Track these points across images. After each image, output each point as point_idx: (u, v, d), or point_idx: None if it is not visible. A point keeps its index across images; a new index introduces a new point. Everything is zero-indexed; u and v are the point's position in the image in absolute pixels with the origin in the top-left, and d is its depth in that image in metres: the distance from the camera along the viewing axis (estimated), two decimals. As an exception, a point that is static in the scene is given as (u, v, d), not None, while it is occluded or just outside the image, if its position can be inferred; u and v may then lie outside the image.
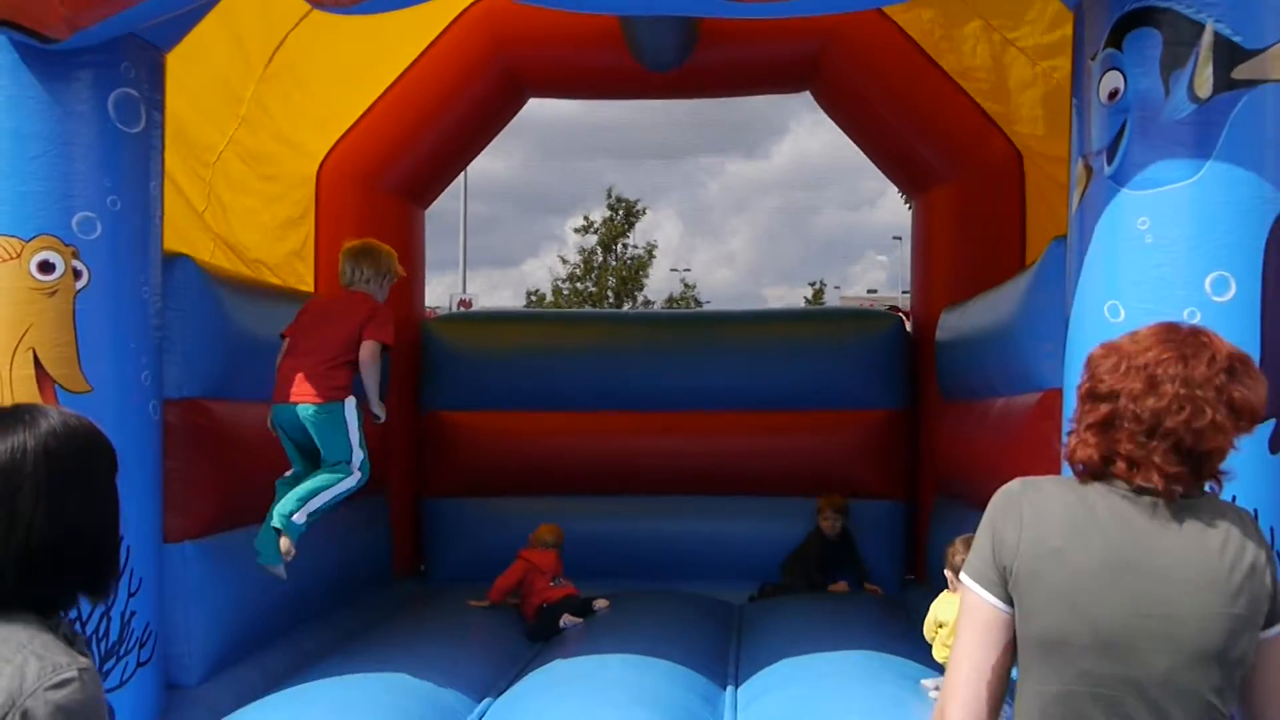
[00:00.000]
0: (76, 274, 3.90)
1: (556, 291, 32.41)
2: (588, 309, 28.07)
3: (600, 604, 6.00)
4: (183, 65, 4.60)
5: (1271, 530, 3.34)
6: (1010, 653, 1.94)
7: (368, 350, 4.65)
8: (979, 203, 6.67)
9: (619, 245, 31.61)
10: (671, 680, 4.49)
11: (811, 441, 7.04)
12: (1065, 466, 2.04)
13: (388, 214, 7.07)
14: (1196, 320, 3.34)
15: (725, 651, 5.42)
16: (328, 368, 4.60)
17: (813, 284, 42.88)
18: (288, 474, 4.71)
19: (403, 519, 7.09)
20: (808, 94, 7.39)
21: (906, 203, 8.32)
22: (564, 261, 33.12)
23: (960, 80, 6.44)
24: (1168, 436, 1.88)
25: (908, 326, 7.42)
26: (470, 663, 4.96)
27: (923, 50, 6.46)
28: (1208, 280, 3.38)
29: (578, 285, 31.90)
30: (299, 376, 4.58)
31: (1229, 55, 3.39)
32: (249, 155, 6.01)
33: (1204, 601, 1.82)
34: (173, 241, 4.58)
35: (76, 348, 3.89)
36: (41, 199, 3.87)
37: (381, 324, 4.71)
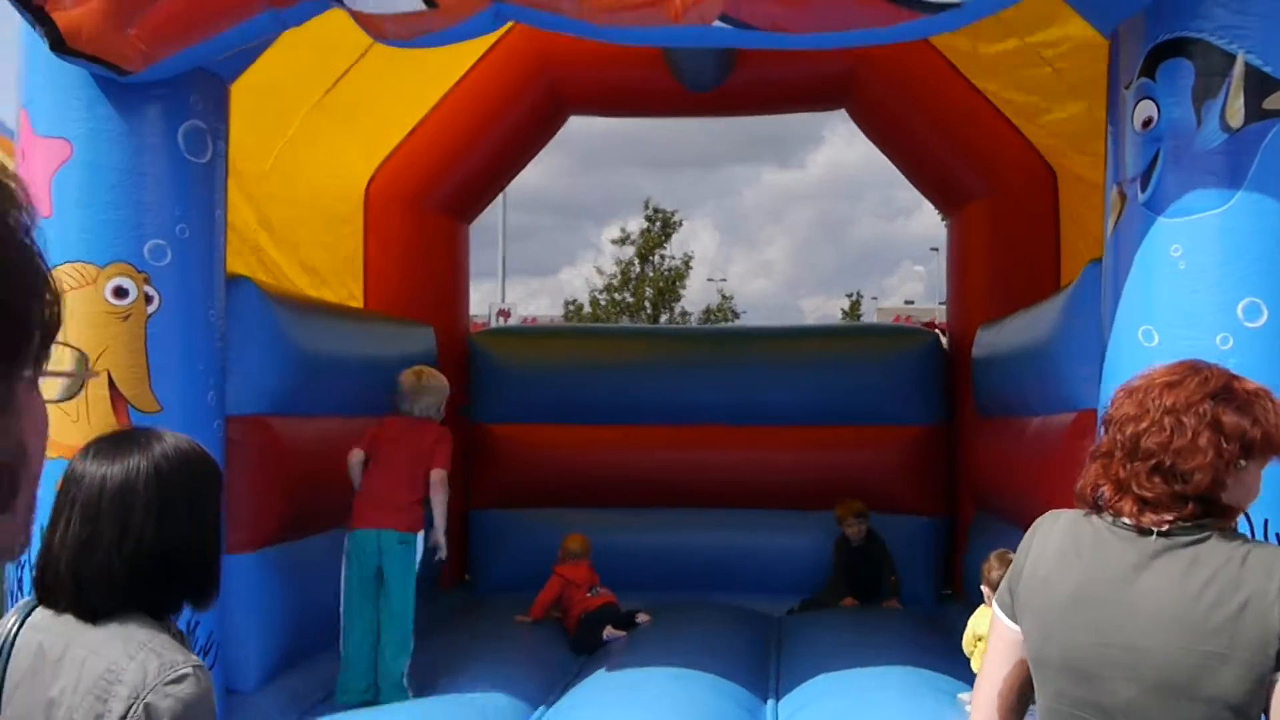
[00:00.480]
0: (148, 299, 4.09)
1: (594, 303, 32.56)
2: (628, 324, 28.26)
3: (642, 618, 6.13)
4: (239, 90, 4.79)
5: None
6: (1022, 670, 2.04)
7: (438, 478, 5.04)
8: (1013, 220, 6.76)
9: (656, 256, 31.75)
10: (715, 693, 4.62)
11: (849, 457, 7.14)
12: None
13: (433, 231, 7.27)
14: (1229, 346, 3.44)
15: (765, 665, 5.54)
16: (409, 500, 4.96)
17: (849, 295, 42.76)
18: (352, 605, 4.92)
19: (449, 530, 7.24)
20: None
21: (942, 216, 8.39)
22: (600, 272, 33.33)
23: (994, 99, 6.53)
24: (1148, 458, 1.90)
25: (944, 342, 7.51)
26: (519, 675, 5.11)
27: (956, 69, 6.56)
28: (1240, 306, 3.47)
29: (615, 296, 32.05)
30: (380, 504, 4.92)
31: (1260, 86, 3.48)
32: (297, 174, 6.20)
33: (1169, 636, 1.83)
34: (229, 261, 4.78)
35: (148, 369, 4.08)
36: (116, 227, 4.07)
37: (445, 453, 5.12)
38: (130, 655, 1.68)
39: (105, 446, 1.84)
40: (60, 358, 3.88)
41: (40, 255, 0.75)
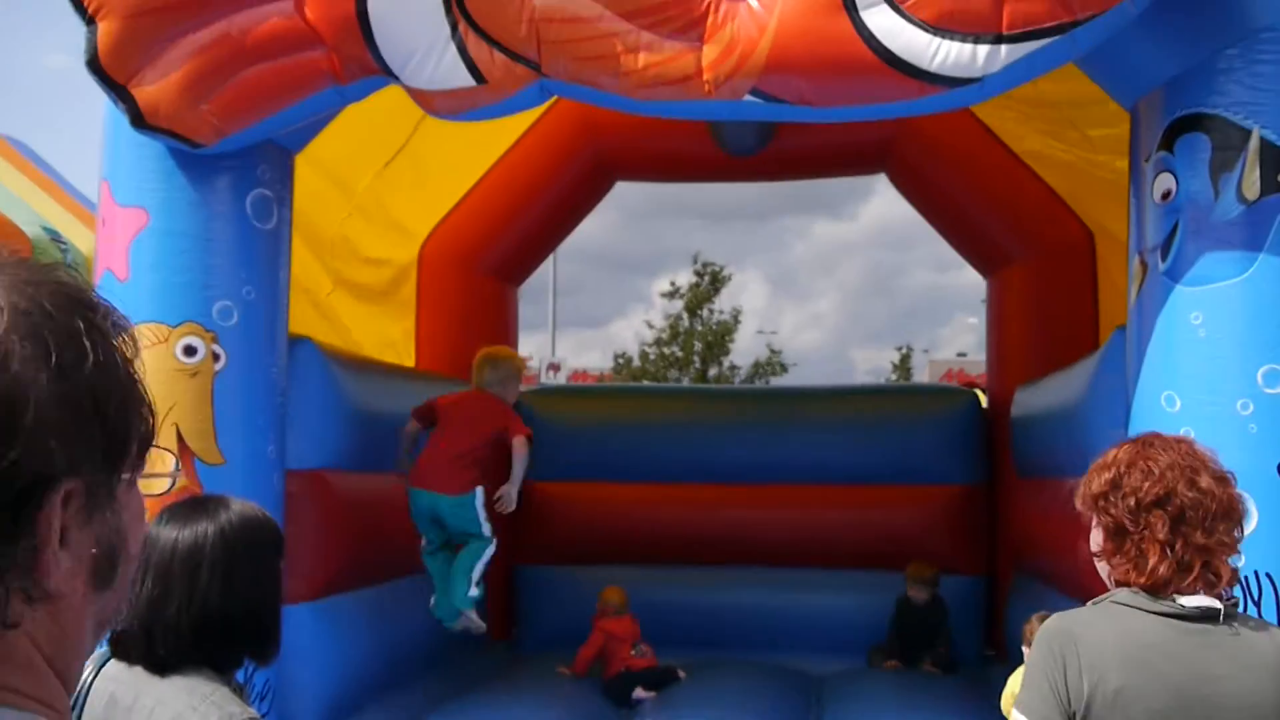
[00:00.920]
0: (215, 357, 4.34)
1: (643, 356, 32.79)
2: (673, 384, 28.46)
3: (680, 674, 6.23)
4: (303, 160, 5.07)
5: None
6: None
7: (521, 445, 5.46)
8: (1052, 281, 6.86)
9: (704, 310, 31.96)
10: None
11: (890, 516, 7.22)
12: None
13: (484, 293, 7.52)
14: (1249, 412, 3.54)
15: (805, 722, 5.61)
16: (464, 464, 5.32)
17: (899, 348, 42.59)
18: (425, 545, 5.40)
19: (496, 585, 7.41)
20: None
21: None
22: (650, 326, 33.58)
23: (1031, 162, 6.67)
24: (1209, 521, 2.03)
25: (983, 401, 7.60)
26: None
27: (993, 133, 6.72)
28: (1260, 373, 3.57)
29: (664, 350, 32.25)
30: (437, 469, 5.33)
31: (1275, 159, 3.61)
32: (359, 240, 6.49)
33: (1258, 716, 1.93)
34: (298, 322, 5.03)
35: (213, 424, 4.32)
36: (186, 290, 4.33)
37: (519, 422, 5.56)
38: (194, 707, 1.86)
39: (177, 512, 2.04)
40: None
41: (140, 382, 0.94)
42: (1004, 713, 4.62)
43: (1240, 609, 2.13)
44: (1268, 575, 3.42)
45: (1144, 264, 3.92)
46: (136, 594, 1.95)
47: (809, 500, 7.34)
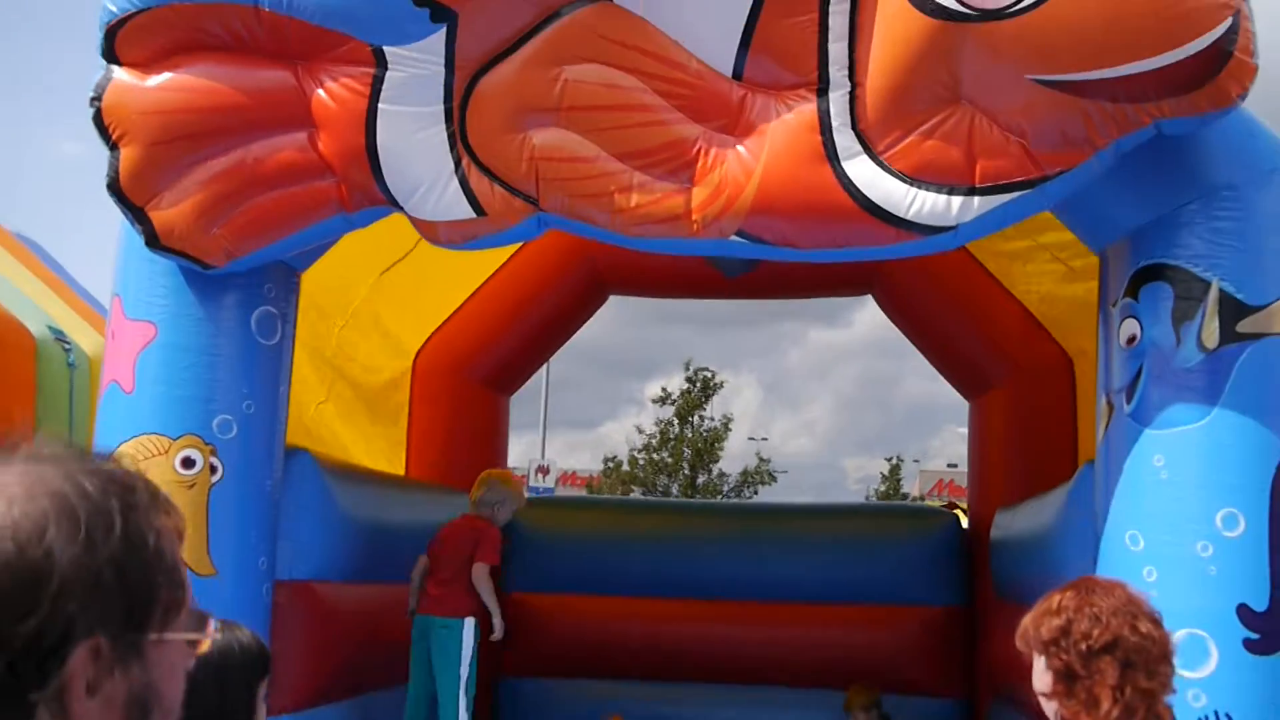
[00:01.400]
0: (213, 469, 4.46)
1: (633, 461, 32.85)
2: (662, 496, 28.53)
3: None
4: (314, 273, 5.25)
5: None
6: None
7: (479, 572, 5.59)
8: (1032, 404, 7.02)
9: (695, 417, 32.15)
10: None
11: (871, 636, 7.26)
12: None
13: (475, 402, 7.66)
14: (1209, 554, 3.67)
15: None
16: (453, 590, 5.54)
17: (889, 458, 42.63)
18: (409, 695, 5.55)
19: (480, 698, 7.40)
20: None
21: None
22: (640, 431, 33.71)
23: (1012, 288, 6.89)
24: (1112, 649, 2.20)
25: (964, 523, 7.70)
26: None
27: (977, 260, 6.95)
28: (1218, 516, 3.70)
29: (654, 456, 32.34)
30: (432, 594, 5.60)
31: (1234, 310, 3.79)
32: (354, 349, 6.64)
33: None
34: (292, 433, 5.15)
35: (207, 536, 4.41)
36: (189, 403, 4.47)
37: (488, 549, 5.67)
38: None
39: None
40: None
41: (170, 552, 1.08)
42: None
43: None
44: (1228, 715, 3.52)
45: (1110, 404, 4.08)
46: None
47: (791, 618, 7.38)
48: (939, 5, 3.42)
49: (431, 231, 4.23)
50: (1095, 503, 4.16)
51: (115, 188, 4.17)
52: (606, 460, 35.43)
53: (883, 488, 38.78)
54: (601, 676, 7.34)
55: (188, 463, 4.42)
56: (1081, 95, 3.47)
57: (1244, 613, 3.62)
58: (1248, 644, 3.60)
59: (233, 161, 4.17)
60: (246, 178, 4.16)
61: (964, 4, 3.39)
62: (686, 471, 32.08)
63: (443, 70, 3.84)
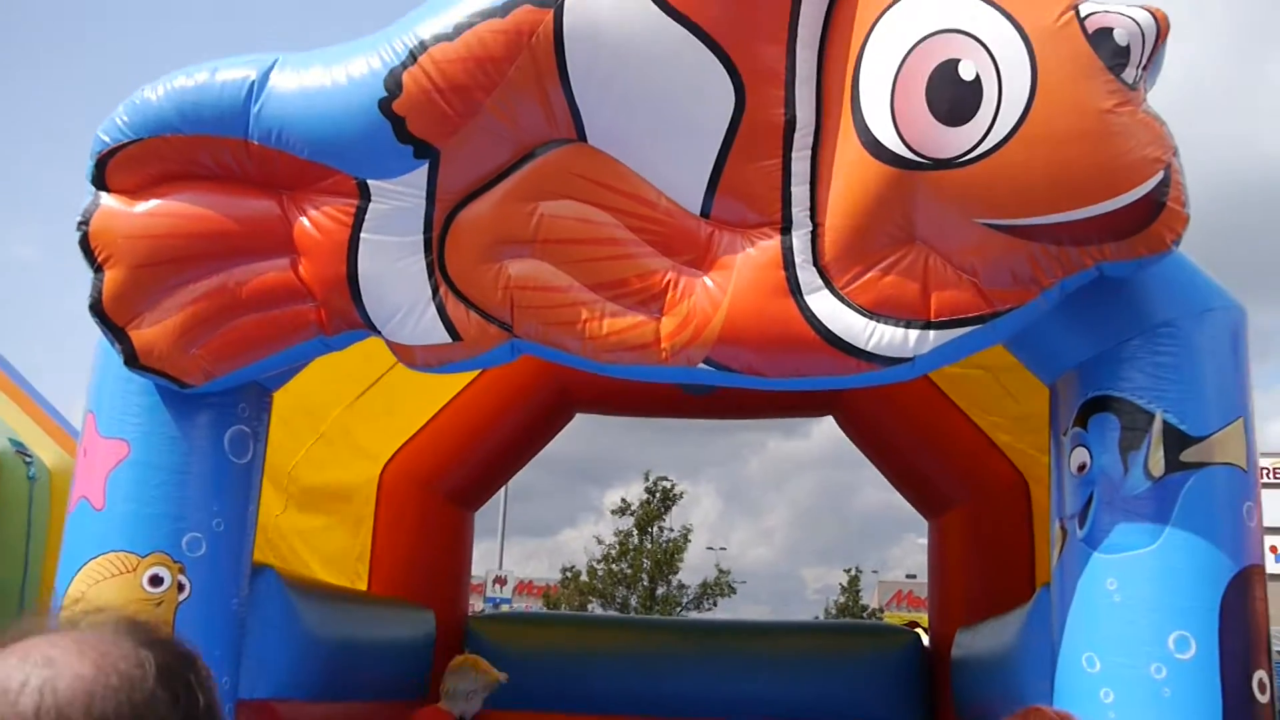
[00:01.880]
0: (180, 587, 4.46)
1: (591, 572, 32.61)
2: (619, 614, 28.29)
3: None
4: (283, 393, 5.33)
5: None
6: None
7: None
8: (990, 526, 7.16)
9: (655, 528, 32.05)
10: None
11: (832, 755, 7.26)
12: None
13: (440, 517, 7.68)
14: (1162, 675, 3.77)
15: None
16: None
17: (848, 570, 42.55)
18: None
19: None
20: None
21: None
22: (599, 541, 33.52)
23: (969, 411, 7.09)
24: None
25: (925, 641, 7.76)
26: None
27: (934, 384, 7.15)
28: (1170, 639, 3.81)
29: (613, 567, 32.13)
30: None
31: (1177, 441, 3.96)
32: (322, 464, 6.68)
33: None
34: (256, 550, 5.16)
35: (173, 653, 4.39)
36: (159, 520, 4.48)
37: None
38: None
39: None
40: None
41: (219, 713, 1.19)
42: None
43: None
44: (1184, 839, 3.58)
45: (1064, 529, 4.22)
46: None
47: (753, 737, 7.35)
48: (893, 154, 3.65)
49: (408, 355, 4.34)
50: (1052, 625, 4.26)
51: (98, 308, 4.26)
52: (565, 570, 35.13)
53: (842, 599, 38.61)
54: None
55: (155, 580, 4.43)
56: (1028, 239, 3.69)
57: (1198, 735, 3.71)
58: (1203, 767, 3.69)
59: (215, 284, 4.27)
60: (228, 301, 4.27)
61: (917, 153, 3.62)
62: (646, 583, 31.85)
63: (424, 203, 4.00)
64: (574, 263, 4.00)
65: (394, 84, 3.79)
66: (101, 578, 4.43)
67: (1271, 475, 30.54)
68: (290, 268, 4.25)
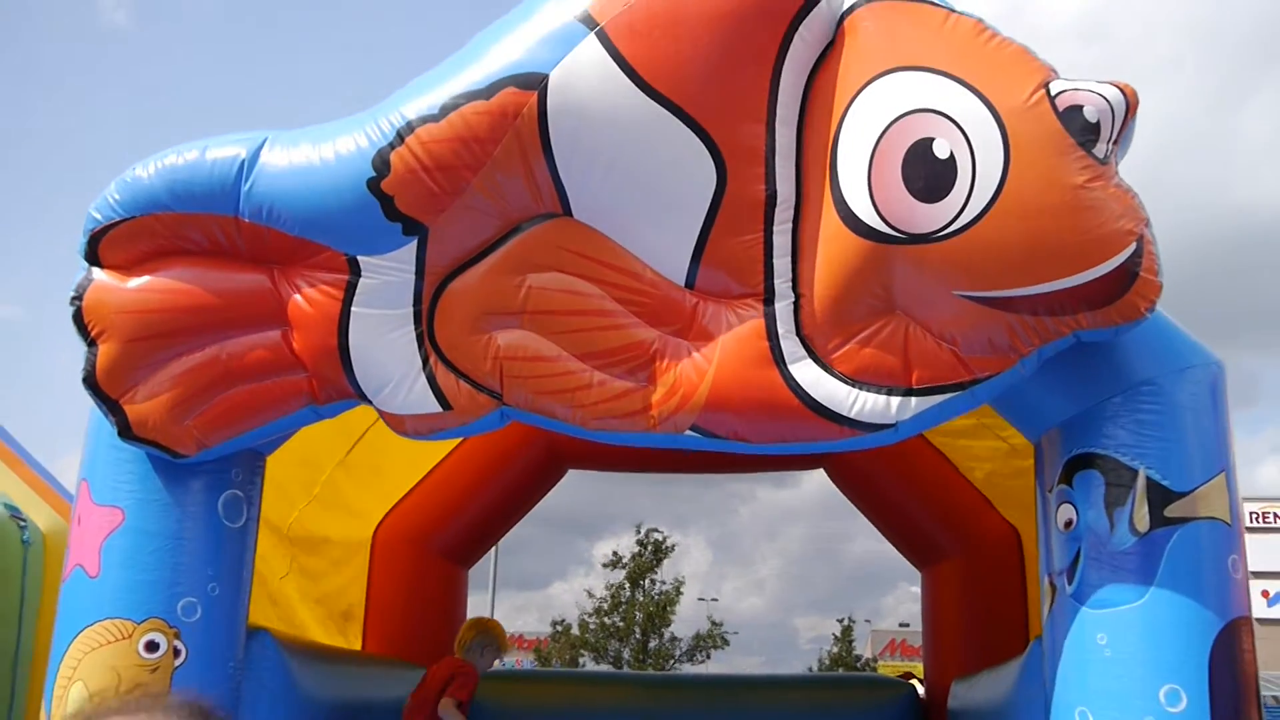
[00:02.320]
0: (176, 652, 4.48)
1: (583, 626, 32.34)
2: (612, 670, 28.10)
3: None
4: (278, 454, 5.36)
5: None
6: None
7: (445, 705, 5.90)
8: (983, 577, 7.19)
9: (646, 581, 31.86)
10: None
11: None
12: None
13: (433, 574, 7.69)
14: (1155, 729, 3.80)
15: None
16: None
17: (840, 619, 42.28)
18: None
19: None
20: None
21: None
22: (591, 595, 33.29)
23: (959, 465, 7.14)
24: None
25: (920, 692, 7.76)
26: None
27: (925, 438, 7.20)
28: (1161, 692, 3.85)
29: (605, 620, 31.89)
30: None
31: (1161, 496, 4.01)
32: (315, 524, 6.71)
33: None
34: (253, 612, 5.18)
35: (167, 723, 4.40)
36: (153, 587, 4.50)
37: (460, 685, 5.99)
38: None
39: None
40: None
41: None
42: None
43: None
44: None
45: (1053, 585, 4.26)
46: None
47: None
48: (871, 229, 3.73)
49: (399, 424, 4.39)
50: (1045, 679, 4.29)
51: (92, 381, 4.31)
52: (555, 623, 34.87)
53: (836, 648, 38.35)
54: None
55: (151, 646, 4.45)
56: (1005, 309, 3.76)
57: (1192, 789, 3.74)
58: (1196, 821, 3.71)
59: (207, 357, 4.33)
60: (220, 373, 4.32)
61: (894, 228, 3.70)
62: (638, 636, 31.63)
63: (413, 277, 4.07)
64: (562, 333, 4.07)
65: (382, 164, 3.87)
66: (97, 645, 4.45)
67: (1260, 520, 30.55)
68: (281, 339, 4.31)
